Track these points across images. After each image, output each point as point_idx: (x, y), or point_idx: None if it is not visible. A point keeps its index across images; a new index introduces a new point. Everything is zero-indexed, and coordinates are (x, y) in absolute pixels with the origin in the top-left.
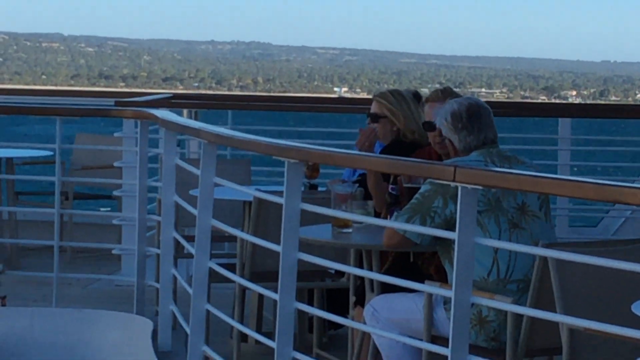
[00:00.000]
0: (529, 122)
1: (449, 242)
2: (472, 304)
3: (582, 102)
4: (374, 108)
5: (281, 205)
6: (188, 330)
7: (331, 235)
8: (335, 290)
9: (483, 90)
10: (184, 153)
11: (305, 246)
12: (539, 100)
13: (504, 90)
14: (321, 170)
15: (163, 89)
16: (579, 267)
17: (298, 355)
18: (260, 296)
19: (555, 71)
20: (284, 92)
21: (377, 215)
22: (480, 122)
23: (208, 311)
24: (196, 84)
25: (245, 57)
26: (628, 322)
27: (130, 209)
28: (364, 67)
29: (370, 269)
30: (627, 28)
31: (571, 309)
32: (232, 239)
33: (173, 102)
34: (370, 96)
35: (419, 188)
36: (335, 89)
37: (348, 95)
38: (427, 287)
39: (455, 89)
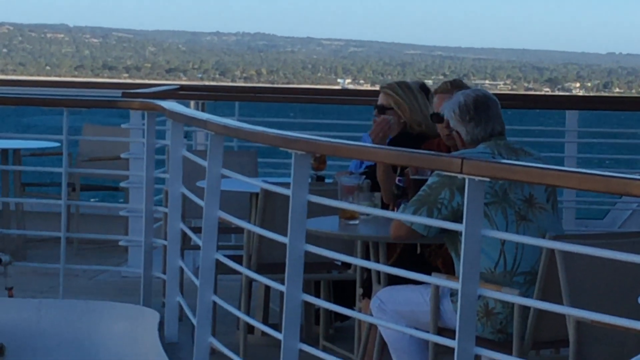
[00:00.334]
0: (535, 114)
1: (456, 234)
2: (479, 296)
3: (585, 94)
4: (381, 100)
5: (288, 196)
6: (194, 322)
7: (338, 227)
8: (342, 282)
9: (487, 82)
10: (191, 144)
11: (312, 238)
12: (542, 92)
13: (508, 82)
14: (328, 162)
15: (166, 80)
16: (585, 259)
17: (304, 346)
18: (267, 288)
19: (560, 63)
20: (288, 83)
21: (384, 206)
22: (488, 114)
23: (215, 303)
24: (200, 75)
25: (250, 49)
26: (635, 315)
27: (137, 200)
28: (368, 59)
29: (377, 261)
30: (634, 19)
31: (578, 301)
32: (239, 230)
33: (180, 94)
34: (373, 88)
35: (426, 180)
36: (339, 80)
37: (351, 86)
38: (434, 279)
39: None
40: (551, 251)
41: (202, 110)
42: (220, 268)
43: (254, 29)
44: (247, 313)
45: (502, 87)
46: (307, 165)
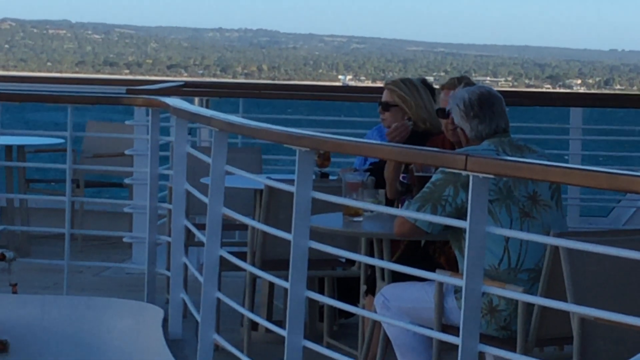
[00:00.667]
0: (538, 112)
1: (460, 231)
2: (483, 293)
3: (587, 90)
4: (385, 96)
5: (292, 193)
6: (198, 319)
7: (342, 224)
8: (346, 278)
9: (488, 78)
10: (195, 141)
11: (316, 235)
12: (544, 89)
13: (509, 78)
14: (332, 159)
15: (167, 76)
16: (590, 256)
17: (308, 343)
18: (271, 284)
19: (562, 60)
20: (289, 79)
21: (388, 203)
22: (492, 110)
23: (219, 299)
24: (201, 72)
25: (252, 45)
26: (639, 312)
27: (141, 196)
28: (370, 55)
29: (381, 258)
30: (637, 16)
31: (582, 299)
32: (243, 227)
33: (184, 90)
34: (374, 84)
35: (430, 177)
36: (340, 76)
37: (352, 83)
38: (438, 276)
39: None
40: (555, 248)
41: (206, 107)
42: (224, 265)
43: (257, 26)
44: (251, 310)
45: (503, 83)
46: (311, 162)
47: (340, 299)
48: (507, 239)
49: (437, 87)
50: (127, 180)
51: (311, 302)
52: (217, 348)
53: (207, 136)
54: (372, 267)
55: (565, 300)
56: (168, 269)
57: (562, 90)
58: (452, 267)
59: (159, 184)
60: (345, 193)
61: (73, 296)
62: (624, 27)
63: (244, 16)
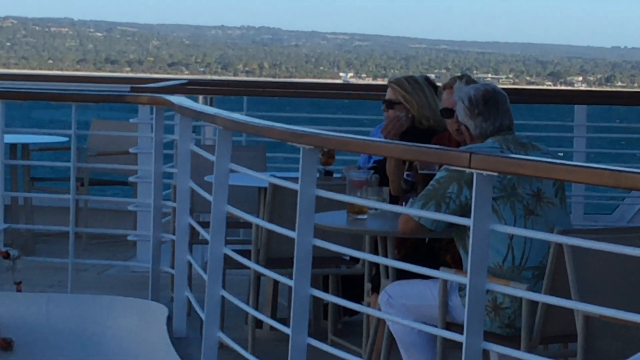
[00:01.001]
0: (540, 109)
1: (464, 229)
2: (487, 291)
3: (587, 87)
4: (388, 94)
5: (296, 191)
6: (203, 316)
7: (346, 222)
8: (350, 276)
9: (489, 75)
10: (199, 139)
11: (321, 232)
12: (544, 86)
13: (510, 75)
14: (336, 157)
15: (168, 74)
16: (594, 254)
17: (313, 341)
18: (275, 282)
19: (564, 57)
20: (290, 77)
21: (392, 201)
22: (497, 108)
23: (223, 297)
24: (202, 69)
25: (255, 42)
26: None
27: (146, 195)
28: (373, 53)
29: (386, 256)
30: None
31: (586, 296)
32: (247, 225)
33: (188, 89)
34: (375, 81)
35: (434, 174)
36: (341, 74)
37: (353, 80)
38: (442, 274)
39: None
40: (559, 246)
41: (211, 105)
42: (229, 263)
43: (259, 23)
44: (256, 308)
45: (505, 80)
46: (315, 159)
47: (344, 296)
48: (511, 237)
49: (439, 84)
50: (131, 179)
51: (315, 300)
52: (222, 346)
53: (212, 134)
54: (377, 265)
55: (569, 297)
56: (172, 267)
57: (563, 87)
58: (458, 264)
59: (163, 182)
60: (350, 191)
61: (77, 294)
62: (628, 24)
63: (247, 14)
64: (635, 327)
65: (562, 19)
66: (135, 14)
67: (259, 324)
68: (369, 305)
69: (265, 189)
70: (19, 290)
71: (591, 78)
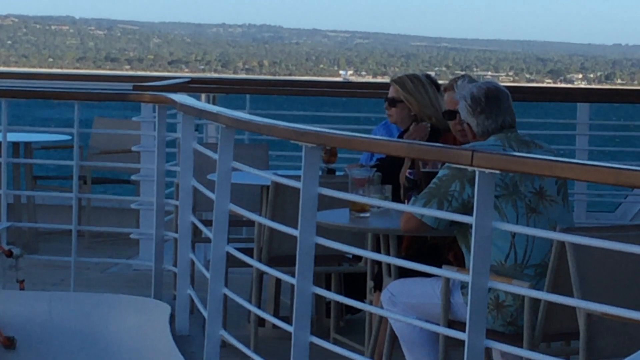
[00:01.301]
0: (542, 107)
1: (466, 227)
2: (490, 289)
3: (587, 85)
4: (391, 93)
5: (299, 189)
6: (205, 315)
7: (349, 220)
8: (353, 274)
9: (489, 73)
10: (201, 137)
11: (323, 230)
12: (544, 84)
13: (510, 73)
14: (339, 155)
15: (168, 71)
16: (596, 251)
17: (315, 339)
18: (278, 280)
19: (565, 54)
20: (289, 75)
21: (395, 199)
22: (499, 106)
23: (225, 295)
24: (202, 67)
25: (256, 40)
26: None
27: (148, 193)
28: (373, 50)
29: (388, 254)
30: None
31: (588, 294)
32: (250, 223)
33: (191, 87)
34: (375, 79)
35: (436, 173)
36: (341, 72)
37: (353, 78)
38: (445, 272)
39: (461, 72)
40: (562, 244)
41: (213, 103)
42: (231, 261)
43: (260, 21)
44: (258, 306)
45: (504, 78)
46: (317, 157)
47: (347, 295)
48: (514, 235)
49: (441, 82)
50: (134, 177)
51: (318, 298)
52: (224, 344)
53: (214, 132)
54: (379, 263)
55: (571, 295)
56: (175, 265)
57: (562, 85)
58: (460, 262)
59: (165, 181)
60: (352, 189)
61: (80, 292)
62: (629, 22)
63: (248, 12)
64: (638, 325)
65: (564, 16)
66: (136, 12)
67: (261, 322)
68: (371, 303)
69: (268, 187)
70: (21, 289)
71: (591, 75)
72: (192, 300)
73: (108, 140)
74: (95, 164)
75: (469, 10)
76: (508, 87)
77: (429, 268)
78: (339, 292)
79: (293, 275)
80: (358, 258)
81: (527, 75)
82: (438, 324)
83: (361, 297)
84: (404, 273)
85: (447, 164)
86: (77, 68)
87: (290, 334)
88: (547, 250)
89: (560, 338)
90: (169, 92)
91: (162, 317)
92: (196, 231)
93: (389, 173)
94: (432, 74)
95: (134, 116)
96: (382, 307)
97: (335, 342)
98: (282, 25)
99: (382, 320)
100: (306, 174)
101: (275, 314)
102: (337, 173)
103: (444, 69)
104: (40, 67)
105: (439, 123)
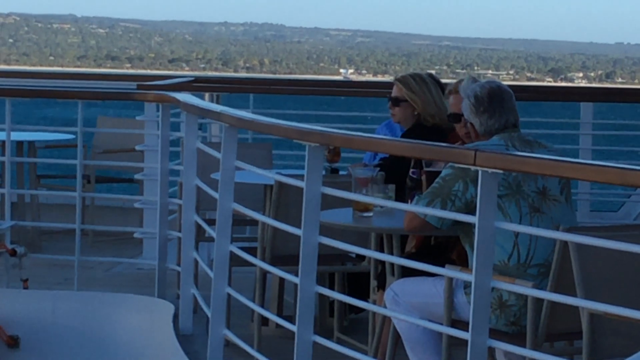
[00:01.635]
0: (545, 106)
1: (469, 226)
2: (493, 288)
3: (588, 83)
4: (394, 92)
5: (302, 189)
6: (209, 314)
7: (352, 219)
8: (356, 274)
9: (490, 71)
10: (205, 137)
11: (326, 230)
12: (545, 82)
13: (511, 72)
14: (342, 154)
15: (169, 70)
16: (599, 251)
17: (319, 339)
18: (281, 280)
19: (566, 53)
20: (290, 73)
21: (398, 199)
22: (502, 105)
23: (229, 295)
24: (203, 65)
25: (257, 39)
26: None
27: (152, 192)
28: (375, 49)
29: (391, 253)
30: None
31: (592, 294)
32: (253, 222)
33: (195, 86)
34: (375, 78)
35: (440, 172)
36: (342, 70)
37: (354, 77)
38: (448, 271)
39: (462, 70)
40: (565, 243)
41: (217, 102)
42: (235, 260)
43: (262, 20)
44: (262, 305)
45: (505, 77)
46: (321, 157)
47: (350, 294)
48: (517, 234)
49: (444, 81)
50: (137, 176)
51: (321, 297)
52: (228, 343)
53: (218, 132)
54: (383, 263)
55: (574, 295)
56: (178, 264)
57: (563, 83)
58: (463, 262)
59: (169, 180)
60: (355, 188)
61: (84, 292)
62: (631, 20)
63: (250, 10)
64: None
65: (566, 15)
66: (138, 11)
67: (264, 321)
68: (374, 302)
69: (271, 186)
70: (25, 288)
71: (591, 74)
72: (195, 300)
73: (112, 139)
74: (98, 163)
75: (470, 9)
76: (511, 87)
77: (432, 267)
78: (342, 292)
79: (296, 275)
80: (361, 257)
81: (528, 74)
82: (441, 324)
83: (364, 297)
84: (407, 272)
85: (450, 164)
86: (78, 66)
87: (293, 333)
88: (551, 249)
89: (564, 337)
90: (172, 91)
91: (166, 316)
92: (200, 230)
93: (392, 172)
94: (434, 72)
95: (135, 115)
96: (385, 307)
97: (339, 342)
98: (283, 23)
99: (386, 319)
100: (309, 174)
101: (279, 313)
102: (341, 172)
103: (445, 67)
104: (41, 65)
105: (442, 122)
